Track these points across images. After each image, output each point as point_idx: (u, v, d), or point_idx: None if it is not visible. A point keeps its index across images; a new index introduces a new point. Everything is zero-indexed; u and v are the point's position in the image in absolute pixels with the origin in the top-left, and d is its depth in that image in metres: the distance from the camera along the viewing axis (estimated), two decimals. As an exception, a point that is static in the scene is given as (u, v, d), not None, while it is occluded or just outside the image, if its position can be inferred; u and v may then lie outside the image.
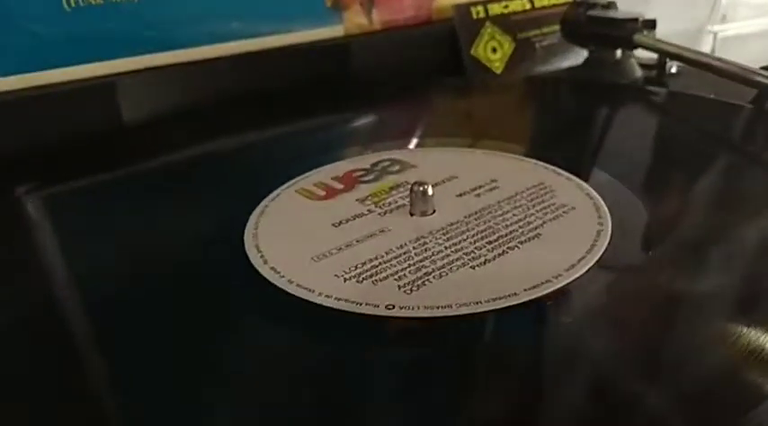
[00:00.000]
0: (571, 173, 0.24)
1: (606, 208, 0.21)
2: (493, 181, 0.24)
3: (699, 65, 0.31)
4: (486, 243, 0.19)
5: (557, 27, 0.43)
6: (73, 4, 0.32)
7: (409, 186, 0.22)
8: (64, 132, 0.32)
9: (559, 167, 0.24)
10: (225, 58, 0.36)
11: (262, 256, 0.19)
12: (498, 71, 0.42)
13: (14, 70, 0.31)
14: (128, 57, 0.33)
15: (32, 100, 0.31)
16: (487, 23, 0.42)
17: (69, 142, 0.31)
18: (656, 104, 0.33)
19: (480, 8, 0.42)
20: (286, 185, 0.25)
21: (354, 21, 0.39)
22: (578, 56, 0.42)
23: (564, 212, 0.21)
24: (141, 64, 0.34)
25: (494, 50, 0.42)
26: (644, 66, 0.39)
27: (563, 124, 0.31)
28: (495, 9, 0.42)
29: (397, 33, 0.41)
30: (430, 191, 0.21)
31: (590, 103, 0.34)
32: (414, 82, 0.39)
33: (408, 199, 0.22)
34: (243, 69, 0.36)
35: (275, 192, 0.24)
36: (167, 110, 0.34)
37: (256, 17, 0.36)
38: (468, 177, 0.24)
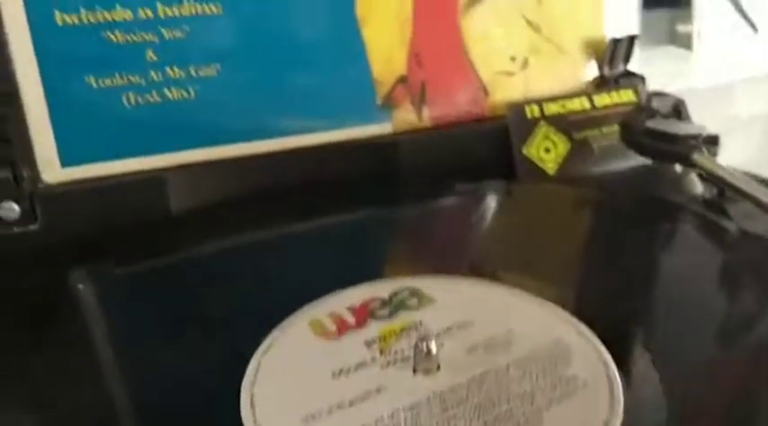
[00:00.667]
0: (595, 329, 0.22)
1: (621, 391, 0.19)
2: (509, 332, 0.23)
3: (756, 203, 0.29)
4: (483, 423, 0.18)
5: (617, 127, 0.41)
6: (133, 102, 0.34)
7: (418, 330, 0.22)
8: (113, 221, 0.33)
9: (584, 319, 0.23)
10: (269, 154, 0.36)
11: (253, 412, 0.19)
12: (551, 172, 0.41)
13: (74, 161, 0.33)
14: (179, 151, 0.35)
15: (89, 190, 0.33)
16: (542, 122, 0.41)
17: (113, 231, 0.33)
18: (711, 238, 0.31)
19: (535, 107, 0.41)
20: (301, 311, 0.25)
21: (404, 117, 0.40)
22: (639, 158, 0.40)
23: (574, 388, 0.20)
24: (191, 158, 0.35)
25: (547, 150, 0.41)
26: (706, 179, 0.36)
27: (604, 253, 0.30)
28: (552, 108, 0.41)
29: (447, 131, 0.40)
30: (434, 350, 0.21)
31: (639, 226, 0.32)
32: (462, 181, 0.38)
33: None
34: (287, 165, 0.37)
35: (288, 320, 0.24)
36: (204, 206, 0.35)
37: (305, 114, 0.37)
38: (484, 323, 0.23)
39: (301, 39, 0.36)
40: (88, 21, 0.32)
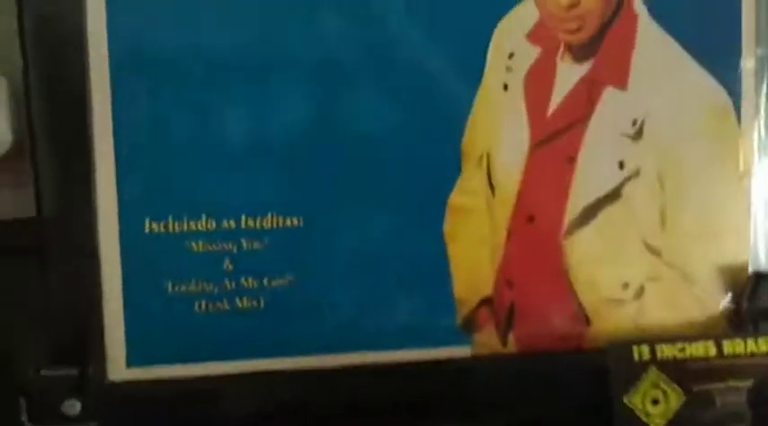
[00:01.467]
0: None
1: None
2: None
3: None
4: None
5: (749, 382, 0.34)
6: (203, 308, 0.34)
7: None
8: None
9: None
10: (332, 370, 0.34)
11: None
12: (657, 427, 0.34)
13: (140, 362, 0.33)
14: (241, 360, 0.34)
15: (150, 392, 0.33)
16: (652, 367, 0.35)
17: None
18: None
19: (645, 348, 0.35)
20: None
21: (485, 341, 0.36)
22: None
23: None
24: (253, 367, 0.34)
25: (655, 402, 0.34)
26: None
27: None
28: (666, 351, 0.35)
29: (532, 360, 0.36)
30: None
31: None
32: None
33: None
34: (349, 382, 0.34)
35: None
36: (262, 416, 0.34)
37: (375, 330, 0.35)
38: None
39: (379, 252, 0.34)
40: (173, 230, 0.33)
